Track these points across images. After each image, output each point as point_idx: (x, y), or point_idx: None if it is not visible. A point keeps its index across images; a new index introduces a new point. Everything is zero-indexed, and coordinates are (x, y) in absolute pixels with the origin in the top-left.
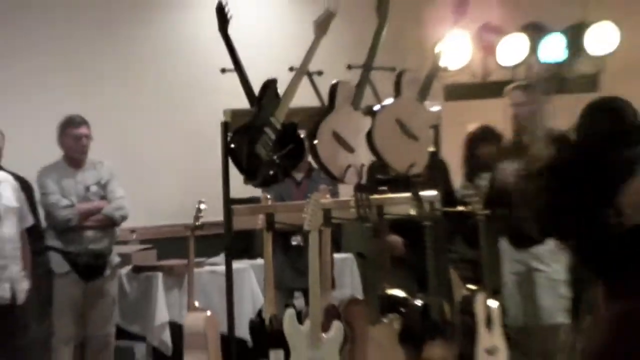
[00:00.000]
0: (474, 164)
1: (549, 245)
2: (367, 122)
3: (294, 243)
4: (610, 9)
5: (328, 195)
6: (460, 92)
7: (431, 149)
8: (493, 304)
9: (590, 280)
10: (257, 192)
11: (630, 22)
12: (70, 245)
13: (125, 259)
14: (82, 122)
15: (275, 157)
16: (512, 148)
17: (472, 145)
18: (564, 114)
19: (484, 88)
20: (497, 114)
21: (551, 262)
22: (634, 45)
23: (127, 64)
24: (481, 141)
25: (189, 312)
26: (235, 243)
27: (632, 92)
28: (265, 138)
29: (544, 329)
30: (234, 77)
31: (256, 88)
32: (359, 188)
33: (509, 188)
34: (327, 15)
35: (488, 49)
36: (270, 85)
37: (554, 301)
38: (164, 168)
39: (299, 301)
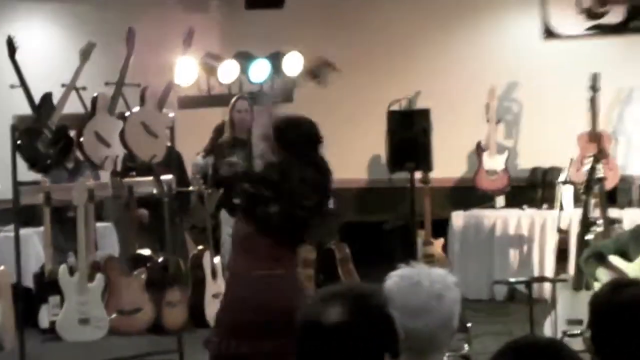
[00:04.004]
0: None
1: None
2: (120, 124)
3: (70, 215)
4: (297, 43)
5: (91, 179)
6: (190, 102)
7: (168, 144)
8: (217, 259)
9: None
10: (38, 176)
11: (309, 53)
12: None
13: None
14: None
15: (50, 150)
16: (232, 142)
17: (217, 134)
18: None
19: (208, 99)
20: (216, 118)
21: None
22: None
23: None
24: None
25: None
26: (22, 215)
27: (316, 101)
28: (44, 137)
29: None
30: (20, 91)
31: (36, 99)
32: (114, 173)
33: (228, 175)
34: (89, 45)
35: (210, 71)
36: (47, 97)
37: None
38: None
39: (71, 259)
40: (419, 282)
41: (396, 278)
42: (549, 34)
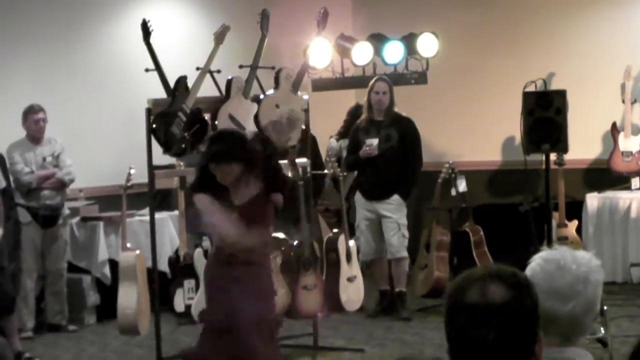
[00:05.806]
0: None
1: (395, 199)
2: (254, 107)
3: None
4: (430, 24)
5: None
6: (324, 84)
7: (302, 127)
8: (351, 242)
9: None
10: (173, 160)
11: (443, 33)
12: (32, 201)
13: (74, 211)
14: (40, 109)
15: (185, 134)
16: (368, 124)
17: (351, 117)
18: (402, 100)
19: (342, 82)
20: (350, 101)
21: (396, 211)
22: (447, 50)
23: (76, 66)
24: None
25: (123, 251)
26: (157, 199)
27: (449, 83)
28: (178, 120)
29: (390, 261)
30: (155, 75)
31: (171, 83)
32: None
33: (365, 156)
34: (224, 29)
35: (343, 53)
36: (181, 80)
37: (399, 240)
38: (103, 143)
39: (205, 243)
40: (565, 265)
41: (540, 261)
42: None
